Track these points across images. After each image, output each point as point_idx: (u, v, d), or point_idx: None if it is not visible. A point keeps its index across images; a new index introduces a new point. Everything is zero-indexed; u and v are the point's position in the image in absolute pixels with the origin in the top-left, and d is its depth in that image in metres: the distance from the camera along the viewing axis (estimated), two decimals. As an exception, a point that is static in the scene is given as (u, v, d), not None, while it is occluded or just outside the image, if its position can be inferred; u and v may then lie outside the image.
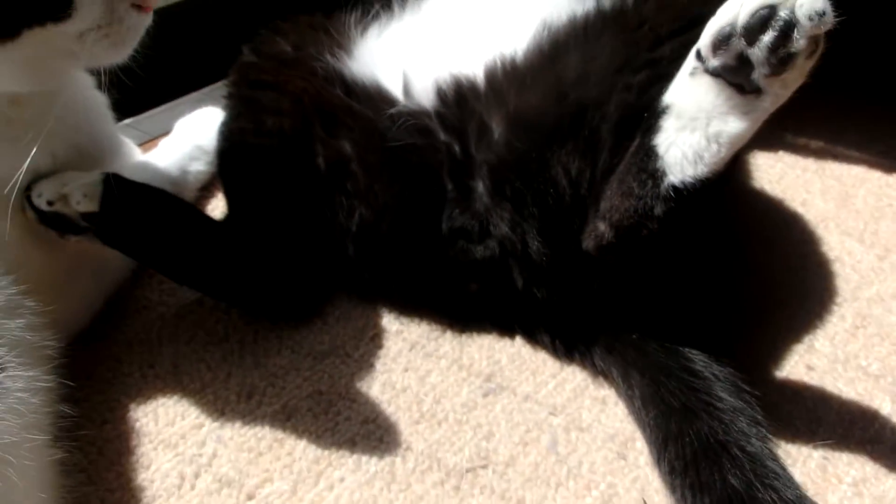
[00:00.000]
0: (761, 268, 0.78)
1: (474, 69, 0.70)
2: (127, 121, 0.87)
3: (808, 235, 0.83)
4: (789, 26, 0.44)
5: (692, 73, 0.51)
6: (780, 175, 0.91)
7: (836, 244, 0.82)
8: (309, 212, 0.69)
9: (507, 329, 0.71)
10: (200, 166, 0.79)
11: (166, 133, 0.86)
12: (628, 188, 0.54)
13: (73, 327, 0.63)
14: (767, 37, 0.45)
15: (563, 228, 0.61)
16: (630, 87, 0.61)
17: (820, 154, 0.94)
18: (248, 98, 0.74)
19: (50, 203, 0.57)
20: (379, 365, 0.68)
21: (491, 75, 0.69)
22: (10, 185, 0.54)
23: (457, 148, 0.67)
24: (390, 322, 0.72)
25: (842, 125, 0.97)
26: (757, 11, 0.45)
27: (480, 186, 0.65)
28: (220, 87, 0.97)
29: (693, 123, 0.51)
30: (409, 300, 0.72)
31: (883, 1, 0.95)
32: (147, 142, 0.86)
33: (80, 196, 0.57)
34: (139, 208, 0.61)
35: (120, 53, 0.55)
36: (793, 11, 0.44)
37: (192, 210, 0.71)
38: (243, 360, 0.67)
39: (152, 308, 0.70)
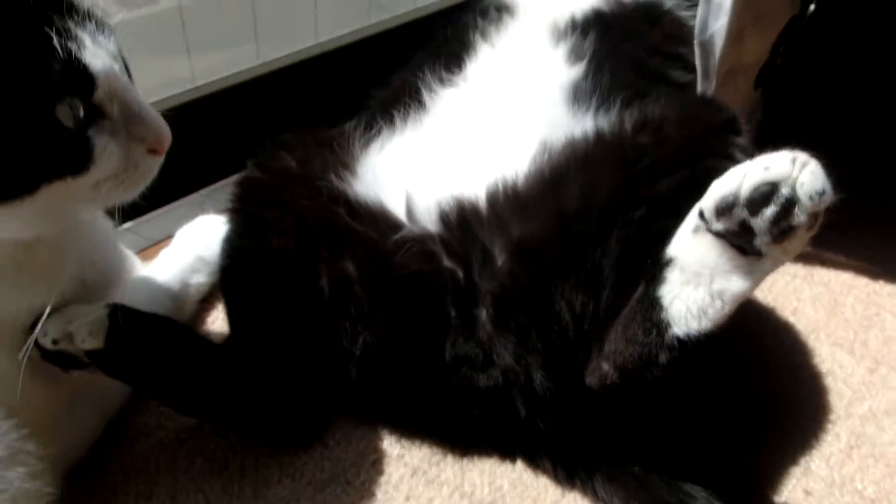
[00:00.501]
0: (756, 385, 0.79)
1: (476, 191, 0.72)
2: (126, 225, 0.87)
3: (799, 346, 0.85)
4: (791, 203, 0.46)
5: (695, 231, 0.53)
6: (770, 282, 0.93)
7: (827, 356, 0.84)
8: (312, 335, 0.69)
9: (508, 453, 0.71)
10: (202, 278, 0.79)
11: (167, 237, 0.86)
12: (633, 335, 0.55)
13: (73, 459, 0.62)
14: (770, 211, 0.47)
15: (567, 363, 0.62)
16: (630, 222, 0.63)
17: (808, 259, 0.97)
18: (252, 215, 0.74)
19: (55, 342, 0.57)
20: (380, 493, 0.67)
21: (493, 199, 0.71)
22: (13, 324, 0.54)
23: (460, 274, 0.68)
24: (391, 445, 0.72)
25: (827, 229, 1.00)
26: (759, 187, 0.47)
27: (484, 315, 0.66)
28: (220, 188, 0.99)
29: (697, 279, 0.52)
30: (410, 423, 0.72)
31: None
32: (147, 248, 0.87)
33: (86, 334, 0.57)
34: (143, 341, 0.61)
35: (134, 194, 0.56)
36: (794, 190, 0.46)
37: (194, 338, 0.71)
38: (243, 491, 0.66)
39: (150, 433, 0.69)
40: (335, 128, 0.85)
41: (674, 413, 0.63)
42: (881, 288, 0.93)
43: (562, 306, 0.62)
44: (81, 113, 0.49)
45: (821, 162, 0.50)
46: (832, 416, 0.77)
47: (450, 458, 0.71)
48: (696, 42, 0.87)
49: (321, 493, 0.67)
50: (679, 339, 0.53)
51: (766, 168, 0.48)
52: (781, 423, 0.76)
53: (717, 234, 0.51)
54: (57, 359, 0.59)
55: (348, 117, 0.88)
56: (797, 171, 0.47)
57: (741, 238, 0.50)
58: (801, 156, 0.48)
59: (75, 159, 0.50)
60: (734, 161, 0.65)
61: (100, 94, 0.50)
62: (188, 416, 0.68)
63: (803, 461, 0.72)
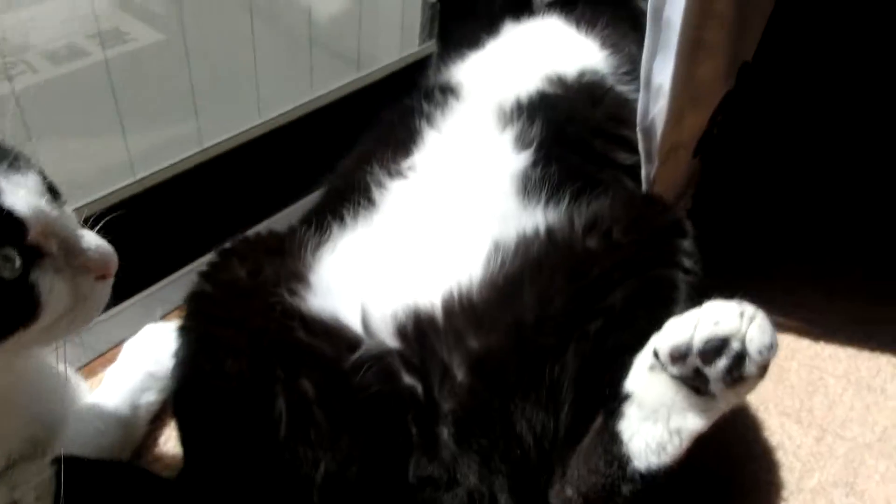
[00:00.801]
0: (711, 464, 0.81)
1: (432, 299, 0.72)
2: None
3: (750, 421, 0.88)
4: (741, 357, 0.48)
5: (651, 369, 0.54)
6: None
7: (776, 427, 0.87)
8: (271, 463, 0.67)
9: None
10: (152, 396, 0.77)
11: (113, 347, 0.83)
12: (595, 466, 0.56)
13: None
14: (722, 363, 0.49)
15: (531, 484, 0.62)
16: (587, 335, 0.64)
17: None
18: (204, 334, 0.72)
19: (0, 511, 0.54)
20: None
21: (448, 308, 0.71)
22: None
23: (420, 392, 0.67)
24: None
25: (766, 288, 1.04)
26: (710, 340, 0.49)
27: (445, 434, 0.66)
28: (169, 285, 0.96)
29: (654, 415, 0.54)
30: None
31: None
32: (93, 360, 0.83)
33: (32, 500, 0.54)
34: (92, 496, 0.59)
35: (87, 325, 0.54)
36: (744, 344, 0.48)
37: (145, 480, 0.68)
38: None
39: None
40: (286, 230, 0.84)
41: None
42: (822, 350, 0.97)
43: (523, 426, 0.62)
44: (18, 262, 0.47)
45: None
46: (784, 493, 0.80)
47: None
48: (638, 129, 0.89)
49: None
50: (640, 473, 0.54)
51: (716, 323, 0.50)
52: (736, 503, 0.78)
53: (673, 377, 0.53)
54: None
55: (294, 196, 0.86)
56: (745, 326, 0.49)
57: (696, 381, 0.51)
58: (749, 309, 0.50)
59: (23, 309, 0.47)
60: (681, 269, 0.67)
61: (33, 235, 0.48)
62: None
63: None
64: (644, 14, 1.20)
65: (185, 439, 0.72)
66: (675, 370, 0.52)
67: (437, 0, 1.25)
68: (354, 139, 1.02)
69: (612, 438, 0.55)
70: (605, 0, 1.18)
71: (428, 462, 0.66)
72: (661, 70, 0.85)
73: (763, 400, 0.90)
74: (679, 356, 0.51)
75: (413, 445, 0.66)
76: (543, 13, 1.16)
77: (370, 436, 0.67)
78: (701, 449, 0.80)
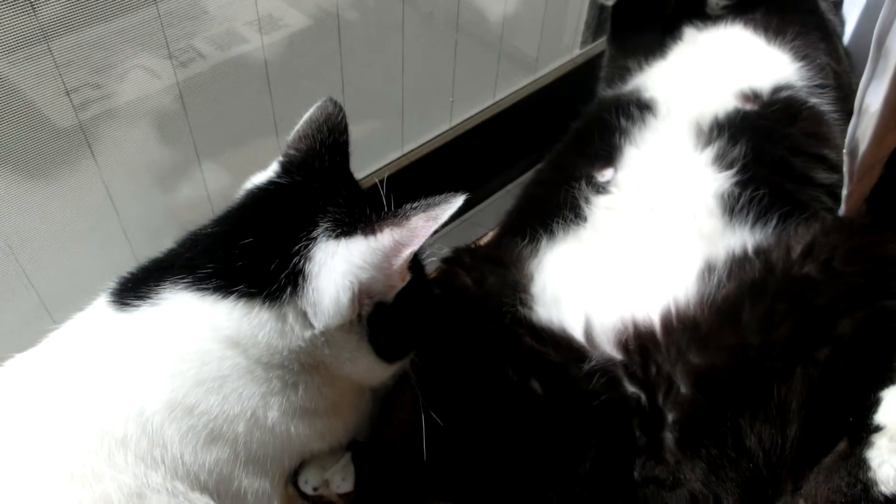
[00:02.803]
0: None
1: (649, 313, 0.78)
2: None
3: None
4: None
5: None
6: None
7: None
8: (507, 454, 0.77)
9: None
10: None
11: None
12: (837, 486, 0.62)
13: None
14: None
15: (758, 493, 0.69)
16: (815, 362, 0.68)
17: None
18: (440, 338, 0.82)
19: (315, 489, 0.66)
20: None
21: (667, 323, 0.77)
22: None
23: (644, 400, 0.75)
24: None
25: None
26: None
27: (670, 439, 0.73)
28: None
29: None
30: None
31: None
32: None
33: (340, 480, 0.66)
34: (378, 479, 0.70)
35: None
36: None
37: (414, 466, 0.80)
38: None
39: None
40: (498, 239, 0.93)
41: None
42: None
43: (752, 440, 0.68)
44: None
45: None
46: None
47: None
48: (845, 151, 0.91)
49: None
50: (885, 496, 0.59)
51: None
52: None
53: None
54: (314, 502, 0.68)
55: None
56: None
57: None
58: None
59: None
60: (910, 302, 0.70)
61: None
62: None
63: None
64: (828, 19, 1.21)
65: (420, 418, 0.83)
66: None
67: (614, 1, 1.26)
68: (534, 137, 1.08)
69: (858, 464, 0.61)
70: (789, 5, 1.18)
71: (654, 463, 0.73)
72: (874, 94, 0.86)
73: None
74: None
75: (639, 448, 0.74)
76: (725, 20, 1.16)
77: (600, 438, 0.75)
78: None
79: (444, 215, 0.58)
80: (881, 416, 0.61)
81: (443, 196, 0.60)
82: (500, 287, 0.84)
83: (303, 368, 0.63)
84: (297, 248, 0.60)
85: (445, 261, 0.89)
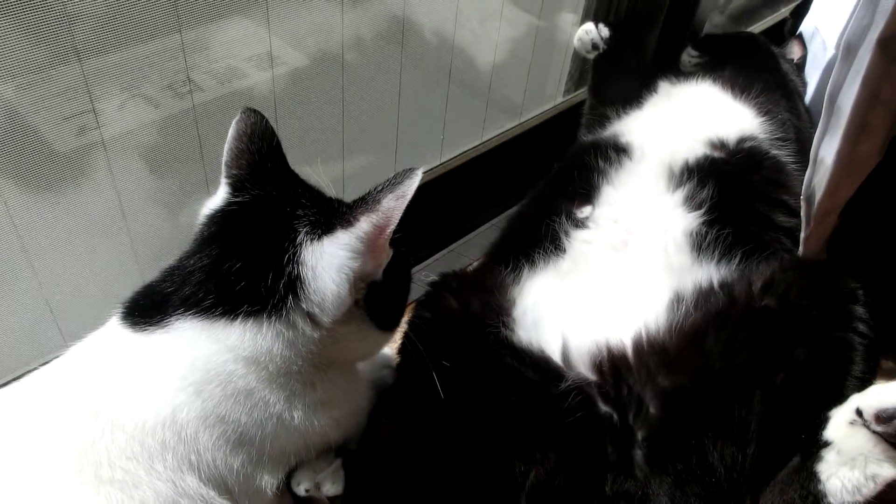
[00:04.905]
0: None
1: (622, 338, 0.84)
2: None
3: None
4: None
5: (852, 423, 0.65)
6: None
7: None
8: (484, 468, 0.81)
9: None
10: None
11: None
12: (790, 498, 0.67)
13: None
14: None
15: (720, 505, 0.74)
16: (772, 385, 0.74)
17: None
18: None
19: (307, 490, 0.70)
20: None
21: (638, 348, 0.83)
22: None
23: (616, 419, 0.80)
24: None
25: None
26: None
27: (639, 456, 0.78)
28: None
29: (852, 462, 0.64)
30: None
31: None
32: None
33: (330, 484, 0.70)
34: (362, 489, 0.74)
35: None
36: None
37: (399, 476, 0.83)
38: None
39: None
40: (482, 267, 0.98)
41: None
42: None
43: (715, 457, 0.74)
44: None
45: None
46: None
47: None
48: (802, 198, 0.99)
49: None
50: (832, 508, 0.65)
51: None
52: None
53: (874, 432, 0.63)
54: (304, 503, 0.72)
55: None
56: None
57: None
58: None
59: None
60: (858, 334, 0.77)
61: None
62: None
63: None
64: (790, 79, 1.32)
65: (403, 429, 0.85)
66: (878, 428, 0.62)
67: (595, 55, 1.36)
68: (518, 176, 1.16)
69: (809, 477, 0.66)
70: (755, 66, 1.28)
71: (624, 479, 0.78)
72: (828, 147, 0.95)
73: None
74: (885, 418, 0.61)
75: (610, 464, 0.78)
76: (696, 76, 1.26)
77: (574, 453, 0.79)
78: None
79: (410, 190, 0.63)
80: (829, 433, 0.67)
81: (403, 172, 0.64)
82: (484, 310, 0.89)
83: (317, 369, 0.68)
84: (286, 257, 0.65)
85: (433, 285, 0.94)
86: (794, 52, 1.45)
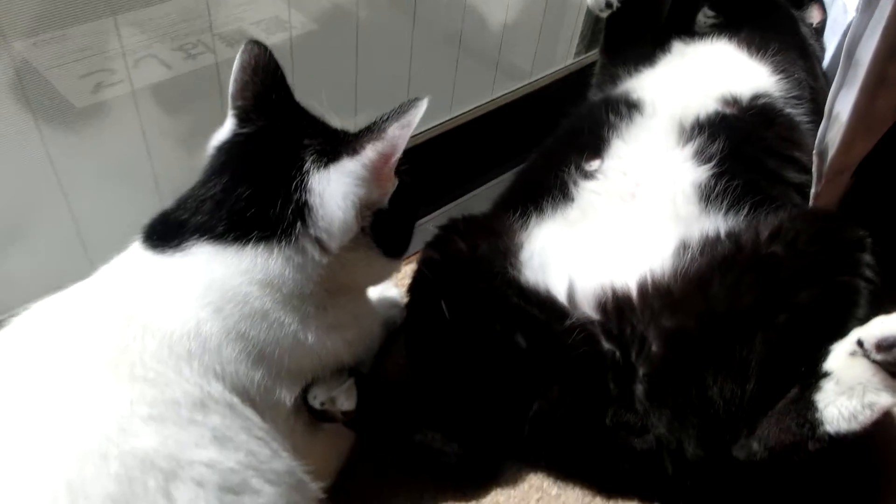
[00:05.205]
0: (860, 463, 0.90)
1: (627, 281, 0.85)
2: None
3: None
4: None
5: (853, 354, 0.66)
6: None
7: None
8: (489, 398, 0.83)
9: (647, 498, 0.85)
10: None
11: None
12: (787, 426, 0.69)
13: (329, 479, 0.79)
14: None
15: (717, 437, 0.75)
16: (775, 326, 0.75)
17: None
18: (434, 294, 0.88)
19: (322, 404, 0.73)
20: (545, 526, 0.82)
21: (643, 290, 0.84)
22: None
23: (618, 356, 0.81)
24: (549, 485, 0.87)
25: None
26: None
27: (640, 391, 0.79)
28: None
29: (851, 392, 0.66)
30: (567, 470, 0.87)
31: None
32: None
33: (344, 399, 0.73)
34: (374, 405, 0.77)
35: None
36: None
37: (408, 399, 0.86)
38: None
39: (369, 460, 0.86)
40: (491, 213, 1.00)
41: (802, 481, 0.76)
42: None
43: (714, 392, 0.75)
44: None
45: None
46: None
47: (598, 499, 0.86)
48: (814, 152, 0.99)
49: (498, 520, 0.81)
50: (829, 435, 0.66)
51: (924, 322, 0.61)
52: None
53: (874, 361, 0.64)
54: (320, 416, 0.75)
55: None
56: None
57: (895, 367, 0.63)
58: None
59: None
60: (864, 279, 0.77)
61: None
62: (402, 455, 0.85)
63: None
64: (808, 41, 1.31)
65: (412, 362, 0.90)
66: (878, 356, 0.63)
67: (609, 13, 1.35)
68: (526, 134, 1.16)
69: (807, 406, 0.67)
70: (773, 27, 1.27)
71: (625, 411, 0.80)
72: (843, 101, 0.94)
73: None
74: (886, 346, 0.63)
75: (610, 397, 0.80)
76: (711, 36, 1.25)
77: (576, 387, 0.81)
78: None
79: (415, 120, 0.65)
80: (829, 364, 0.68)
81: (408, 102, 0.66)
82: (492, 253, 0.90)
83: (329, 294, 0.71)
84: (294, 185, 0.67)
85: (442, 228, 0.95)
86: (814, 16, 1.43)
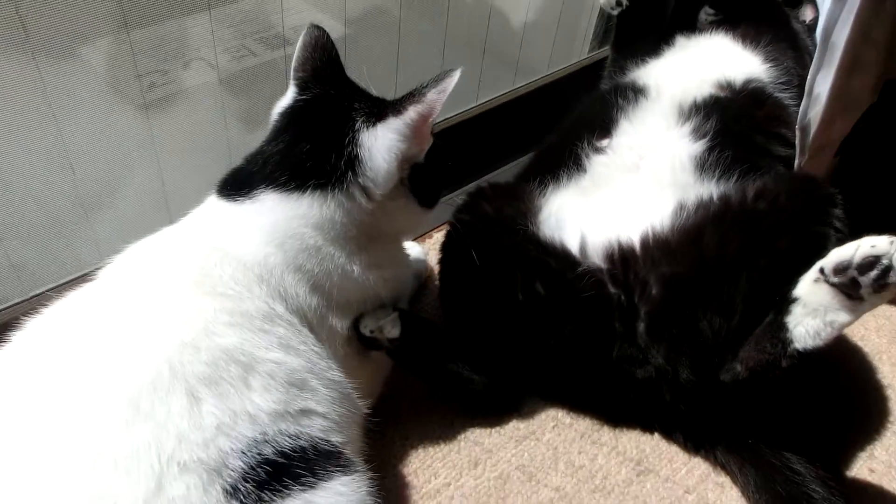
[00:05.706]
0: (833, 392, 1.04)
1: (630, 236, 0.99)
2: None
3: (866, 365, 1.10)
4: (888, 269, 0.73)
5: (816, 280, 0.79)
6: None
7: (888, 373, 1.09)
8: (511, 337, 0.97)
9: (648, 426, 0.99)
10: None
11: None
12: (763, 347, 0.82)
13: (372, 399, 0.91)
14: (873, 273, 0.73)
15: (706, 364, 0.89)
16: (757, 267, 0.89)
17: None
18: (464, 249, 1.03)
19: (371, 332, 0.87)
20: (561, 448, 0.95)
21: (644, 243, 0.98)
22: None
23: (623, 298, 0.95)
24: (564, 416, 1.01)
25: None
26: (867, 257, 0.74)
27: (642, 327, 0.93)
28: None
29: (815, 312, 0.79)
30: (578, 401, 1.00)
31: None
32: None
33: (390, 328, 0.87)
34: (414, 336, 0.92)
35: None
36: (891, 261, 0.72)
37: (442, 334, 1.01)
38: (467, 438, 0.95)
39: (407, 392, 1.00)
40: (514, 182, 1.14)
41: (779, 404, 0.90)
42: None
43: (704, 325, 0.89)
44: None
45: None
46: (891, 419, 1.02)
47: (606, 427, 0.99)
48: (797, 127, 1.12)
49: (520, 444, 0.96)
50: (798, 351, 0.80)
51: (873, 246, 0.74)
52: (852, 421, 1.01)
53: (833, 285, 0.77)
54: (369, 343, 0.89)
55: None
56: (894, 249, 0.73)
57: (850, 288, 0.76)
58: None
59: None
60: (833, 228, 0.91)
61: None
62: (433, 387, 0.98)
63: (868, 448, 0.98)
64: (800, 35, 1.45)
65: (448, 318, 1.04)
66: (835, 280, 0.76)
67: (619, 11, 1.50)
68: (544, 120, 1.31)
69: (779, 327, 0.81)
70: (766, 21, 1.41)
71: (628, 346, 0.93)
72: (823, 82, 1.08)
73: (878, 352, 1.11)
74: (841, 269, 0.76)
75: (616, 334, 0.94)
76: (711, 31, 1.39)
77: (587, 325, 0.95)
78: (827, 379, 1.05)
79: (449, 86, 0.79)
80: (797, 291, 0.81)
81: (444, 72, 0.79)
82: (514, 214, 1.05)
83: (369, 238, 0.85)
84: (346, 140, 0.80)
85: (470, 194, 1.10)
86: (807, 13, 1.56)
